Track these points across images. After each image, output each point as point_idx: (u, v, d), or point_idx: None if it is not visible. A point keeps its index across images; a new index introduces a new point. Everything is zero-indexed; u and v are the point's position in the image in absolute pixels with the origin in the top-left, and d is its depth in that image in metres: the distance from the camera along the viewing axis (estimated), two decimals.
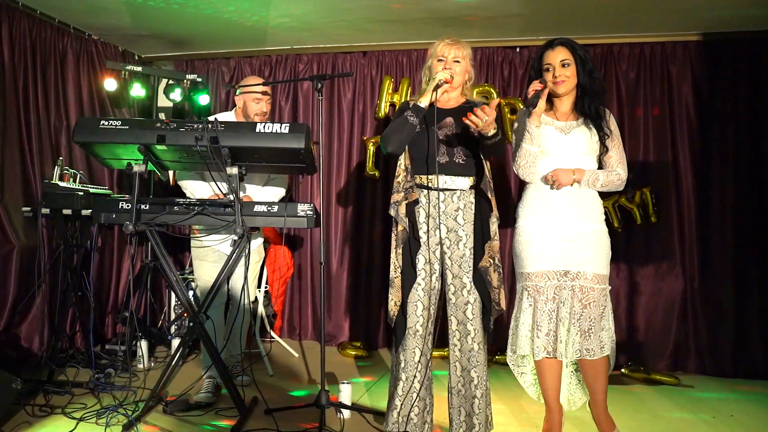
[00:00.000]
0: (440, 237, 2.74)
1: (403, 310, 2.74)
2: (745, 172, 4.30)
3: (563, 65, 2.68)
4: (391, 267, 2.77)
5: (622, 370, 4.13)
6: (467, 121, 2.56)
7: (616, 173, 2.69)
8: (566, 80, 2.68)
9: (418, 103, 2.71)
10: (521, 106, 4.48)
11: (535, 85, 2.67)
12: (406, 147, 2.77)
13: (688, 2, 3.81)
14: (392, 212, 2.75)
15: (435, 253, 2.75)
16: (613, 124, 2.74)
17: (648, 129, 4.45)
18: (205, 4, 4.01)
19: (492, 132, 2.61)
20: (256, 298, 4.08)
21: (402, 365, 2.74)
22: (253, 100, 3.48)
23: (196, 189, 3.35)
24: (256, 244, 3.60)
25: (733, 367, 4.20)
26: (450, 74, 2.73)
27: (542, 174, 2.71)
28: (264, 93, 3.49)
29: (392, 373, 2.84)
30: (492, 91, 4.55)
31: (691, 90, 4.42)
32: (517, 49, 4.68)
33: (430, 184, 2.74)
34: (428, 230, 2.74)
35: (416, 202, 2.76)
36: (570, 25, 4.28)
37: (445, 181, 2.73)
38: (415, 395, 2.72)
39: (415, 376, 2.73)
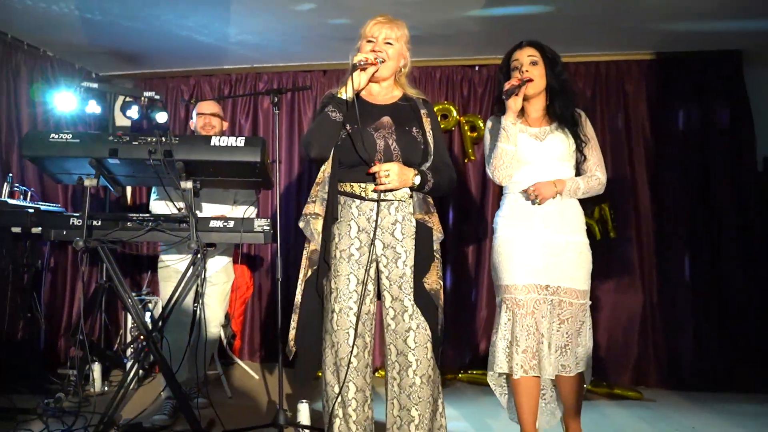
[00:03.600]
0: (376, 254, 2.38)
1: (304, 338, 2.40)
2: (696, 187, 4.39)
3: (532, 63, 2.60)
4: (297, 290, 2.44)
5: (585, 385, 4.13)
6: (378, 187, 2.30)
7: (596, 177, 2.63)
8: (534, 79, 2.58)
9: (338, 95, 2.36)
10: (480, 123, 4.53)
11: (513, 81, 2.57)
12: (333, 151, 2.37)
13: (641, 22, 3.90)
14: (301, 224, 2.41)
15: (369, 272, 2.37)
16: (589, 129, 2.68)
17: (605, 146, 4.52)
18: (161, 20, 3.97)
19: (416, 181, 2.34)
20: (225, 318, 3.98)
21: (333, 401, 2.34)
22: (200, 128, 3.50)
23: (164, 210, 3.29)
24: (223, 263, 3.53)
25: (693, 379, 4.24)
26: (375, 56, 2.35)
27: (520, 184, 2.61)
28: (213, 114, 3.48)
29: (324, 409, 2.42)
30: (452, 108, 4.59)
31: (647, 107, 4.52)
32: (476, 68, 4.73)
33: (362, 194, 2.38)
34: (361, 246, 2.36)
35: (334, 219, 2.39)
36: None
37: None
38: None
39: (349, 416, 2.33)
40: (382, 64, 2.39)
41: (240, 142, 2.64)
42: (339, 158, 2.38)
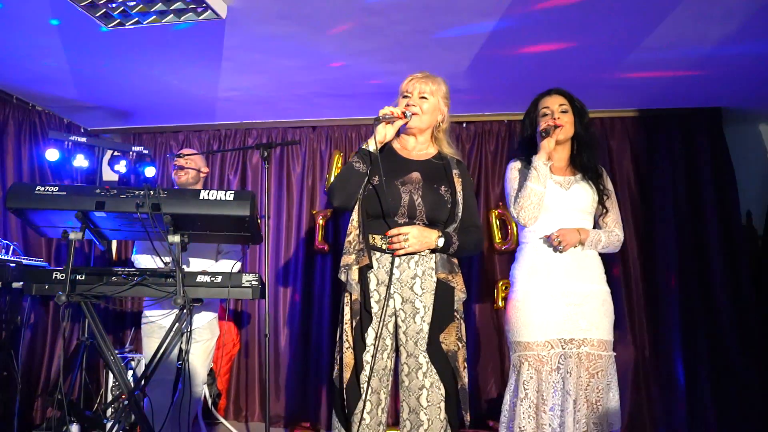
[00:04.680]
0: (395, 308, 2.33)
1: (355, 392, 2.28)
2: (687, 238, 4.40)
3: (562, 111, 2.57)
4: (342, 346, 2.32)
5: None
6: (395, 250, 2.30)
7: (615, 234, 2.60)
8: (565, 126, 2.54)
9: (365, 147, 2.38)
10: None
11: (548, 120, 2.53)
12: (359, 202, 2.37)
13: (624, 80, 3.99)
14: (342, 277, 2.34)
15: (388, 327, 2.33)
16: (609, 183, 2.65)
17: None
18: (151, 76, 4.00)
19: (439, 244, 2.31)
20: (210, 376, 3.87)
21: None
22: (178, 168, 3.45)
23: (149, 264, 3.23)
24: (207, 319, 3.45)
25: None
26: (402, 110, 2.36)
27: (539, 233, 2.55)
28: (192, 155, 3.46)
29: None
30: None
31: (631, 162, 4.58)
32: (464, 125, 4.79)
33: (384, 246, 2.34)
34: (380, 299, 2.33)
35: (368, 266, 2.34)
36: (515, 101, 4.42)
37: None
38: None
39: None
40: (413, 117, 2.39)
41: (229, 195, 2.61)
42: (366, 209, 2.38)
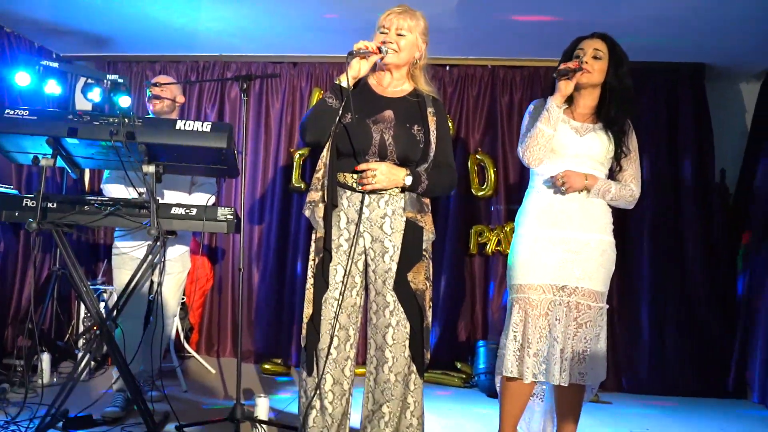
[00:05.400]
0: (365, 247, 2.36)
1: (316, 327, 2.33)
2: (664, 193, 4.45)
3: (595, 57, 2.45)
4: (307, 279, 2.40)
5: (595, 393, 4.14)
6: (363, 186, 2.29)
7: (629, 189, 2.50)
8: (592, 72, 2.43)
9: (338, 82, 2.34)
10: (450, 124, 4.52)
11: (570, 64, 2.42)
12: (331, 139, 2.34)
13: (611, 28, 3.94)
14: (307, 213, 2.38)
15: (357, 265, 2.36)
16: (633, 141, 2.54)
17: None
18: (129, 2, 3.85)
19: (407, 182, 2.30)
20: (183, 311, 3.87)
21: (312, 392, 2.34)
22: (148, 101, 3.38)
23: (121, 194, 3.17)
24: (179, 252, 3.42)
25: (649, 383, 4.30)
26: (378, 45, 2.30)
27: (548, 174, 2.47)
28: (162, 89, 3.37)
29: (300, 399, 2.42)
30: None
31: None
32: (447, 68, 4.72)
33: (354, 185, 2.34)
34: (350, 237, 2.34)
35: (334, 206, 2.35)
36: (500, 45, 4.37)
37: None
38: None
39: (325, 408, 2.33)
40: (388, 54, 2.33)
41: (206, 127, 2.56)
42: (337, 146, 2.34)
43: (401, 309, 2.30)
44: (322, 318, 2.33)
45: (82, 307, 4.37)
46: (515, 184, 4.57)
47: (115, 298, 3.38)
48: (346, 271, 2.33)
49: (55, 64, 4.24)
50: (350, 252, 2.33)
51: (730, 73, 4.59)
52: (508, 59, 4.63)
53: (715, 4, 3.44)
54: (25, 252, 4.35)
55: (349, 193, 2.36)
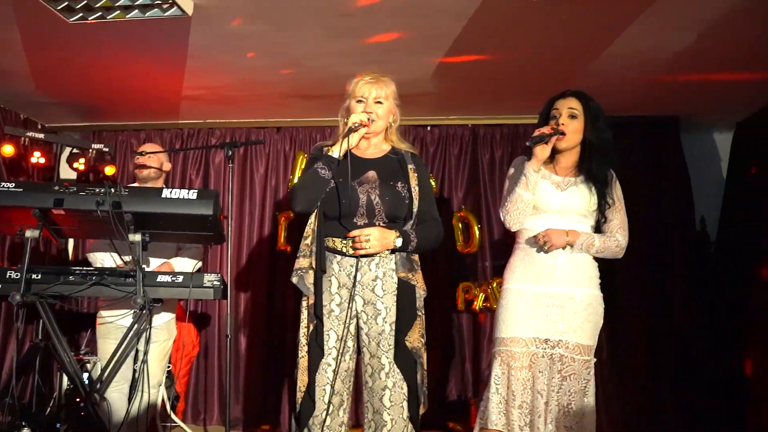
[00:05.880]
0: (356, 310, 2.37)
1: (311, 395, 2.33)
2: (649, 246, 4.47)
3: (571, 116, 2.49)
4: (300, 346, 2.40)
5: None
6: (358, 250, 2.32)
7: (615, 239, 2.50)
8: (568, 134, 2.46)
9: (330, 153, 2.38)
10: (433, 183, 4.58)
11: (545, 129, 2.46)
12: (319, 205, 2.39)
13: (585, 89, 4.06)
14: (294, 280, 2.39)
15: (349, 329, 2.36)
16: (618, 191, 2.56)
17: None
18: (112, 74, 3.91)
19: (398, 244, 2.34)
20: (169, 379, 3.79)
21: None
22: (138, 165, 3.39)
23: (106, 261, 3.15)
24: (165, 319, 3.38)
25: None
26: (368, 117, 2.39)
27: (532, 233, 2.50)
28: (148, 157, 3.39)
29: None
30: None
31: None
32: (428, 128, 4.81)
33: (344, 249, 2.37)
34: (341, 302, 2.37)
35: (323, 272, 2.37)
36: (481, 106, 4.48)
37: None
38: None
39: None
40: (372, 123, 2.41)
41: (192, 194, 2.58)
42: (324, 211, 2.40)
43: (397, 370, 2.31)
44: (317, 384, 2.32)
45: (65, 378, 4.27)
46: (499, 240, 4.60)
47: (99, 368, 3.32)
48: (340, 337, 2.34)
49: (41, 136, 4.29)
50: (345, 317, 2.34)
51: (703, 124, 4.70)
52: (487, 117, 4.73)
53: (685, 59, 3.56)
54: (5, 324, 4.27)
55: (339, 257, 2.39)
